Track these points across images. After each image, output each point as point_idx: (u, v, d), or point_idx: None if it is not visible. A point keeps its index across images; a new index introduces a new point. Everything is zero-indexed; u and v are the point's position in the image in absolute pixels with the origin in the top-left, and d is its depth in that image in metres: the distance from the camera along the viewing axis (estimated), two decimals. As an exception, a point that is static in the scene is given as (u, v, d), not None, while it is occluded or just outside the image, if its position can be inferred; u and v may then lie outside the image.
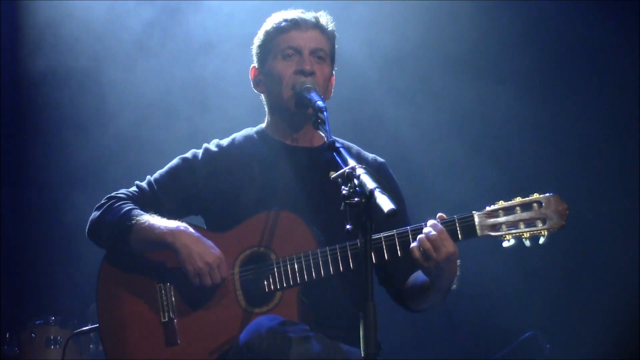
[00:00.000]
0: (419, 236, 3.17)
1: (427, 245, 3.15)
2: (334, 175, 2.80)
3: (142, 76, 6.62)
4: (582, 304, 6.24)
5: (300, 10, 3.67)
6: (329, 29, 3.67)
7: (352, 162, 2.84)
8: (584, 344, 6.16)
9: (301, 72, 3.55)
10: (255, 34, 3.74)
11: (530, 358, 5.94)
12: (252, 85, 3.74)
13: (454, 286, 3.34)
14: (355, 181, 2.71)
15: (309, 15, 3.65)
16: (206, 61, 6.60)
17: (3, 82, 6.56)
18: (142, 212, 3.51)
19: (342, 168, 2.81)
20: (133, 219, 3.47)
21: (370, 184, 2.67)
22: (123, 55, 6.63)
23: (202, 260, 3.35)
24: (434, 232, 3.16)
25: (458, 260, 3.24)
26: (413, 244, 3.18)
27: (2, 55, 6.54)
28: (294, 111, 3.56)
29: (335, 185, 2.78)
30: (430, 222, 3.22)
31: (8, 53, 6.57)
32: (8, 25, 6.52)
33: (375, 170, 3.45)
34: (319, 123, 3.28)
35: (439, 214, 3.27)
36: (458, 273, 3.27)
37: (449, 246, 3.16)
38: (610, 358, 6.05)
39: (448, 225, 3.23)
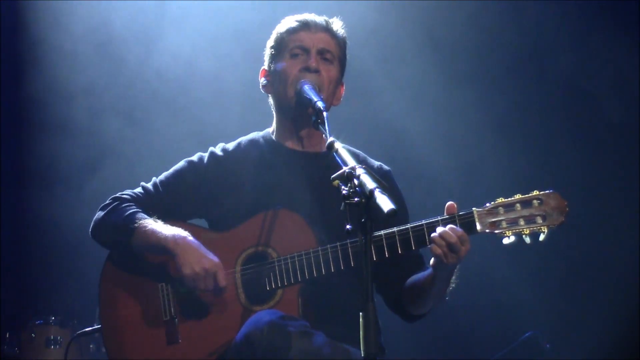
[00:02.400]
0: (437, 240, 3.17)
1: (447, 251, 3.17)
2: (334, 176, 2.79)
3: (145, 78, 6.63)
4: (582, 304, 6.24)
5: (313, 14, 3.69)
6: (340, 34, 3.68)
7: (352, 162, 2.84)
8: (584, 344, 6.17)
9: (306, 69, 3.56)
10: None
11: (530, 358, 5.94)
12: (260, 87, 3.75)
13: (453, 285, 3.34)
14: (355, 181, 2.71)
15: (320, 18, 3.67)
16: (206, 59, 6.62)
17: (3, 82, 6.56)
18: (145, 216, 3.53)
19: (342, 168, 2.81)
20: (136, 222, 3.49)
21: (370, 184, 2.67)
22: (125, 57, 6.63)
23: (199, 266, 3.36)
24: (452, 234, 3.17)
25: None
26: (432, 246, 3.18)
27: (2, 54, 6.54)
28: (296, 111, 3.57)
29: (337, 189, 2.77)
30: (450, 227, 3.20)
31: (8, 53, 6.57)
32: (8, 26, 6.52)
33: (380, 178, 3.44)
34: (318, 123, 3.29)
35: (450, 203, 3.27)
36: (458, 264, 3.27)
37: (468, 245, 3.19)
38: (610, 358, 6.05)
39: (448, 222, 3.23)
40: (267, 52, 3.72)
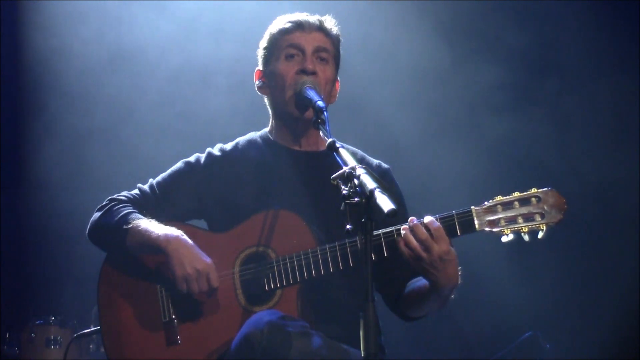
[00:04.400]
0: (405, 234, 3.14)
1: (415, 244, 3.13)
2: (334, 176, 2.79)
3: (146, 77, 6.63)
4: (582, 304, 6.24)
5: (305, 13, 3.67)
6: (334, 32, 3.67)
7: (352, 162, 2.84)
8: (584, 344, 6.17)
9: (303, 72, 3.55)
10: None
11: (530, 358, 5.94)
12: (255, 88, 3.74)
13: (452, 296, 3.30)
14: (355, 181, 2.71)
15: (313, 18, 3.66)
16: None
17: (3, 82, 6.56)
18: (139, 216, 3.52)
19: (343, 168, 2.81)
20: (130, 222, 3.48)
21: (370, 184, 2.66)
22: (127, 57, 6.63)
23: (191, 267, 3.35)
24: (423, 231, 3.13)
25: (459, 268, 3.21)
26: (401, 244, 3.15)
27: (2, 54, 6.54)
28: (295, 112, 3.56)
29: (336, 188, 2.77)
30: (427, 218, 3.19)
31: (8, 53, 6.57)
32: (8, 25, 6.52)
33: (379, 176, 3.44)
34: (319, 123, 3.28)
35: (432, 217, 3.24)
36: (460, 282, 3.23)
37: (443, 245, 3.13)
38: (610, 358, 6.05)
39: (447, 220, 3.21)
40: (261, 53, 3.71)
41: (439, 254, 3.12)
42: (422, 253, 3.12)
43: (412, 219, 3.18)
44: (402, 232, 3.17)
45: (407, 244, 3.14)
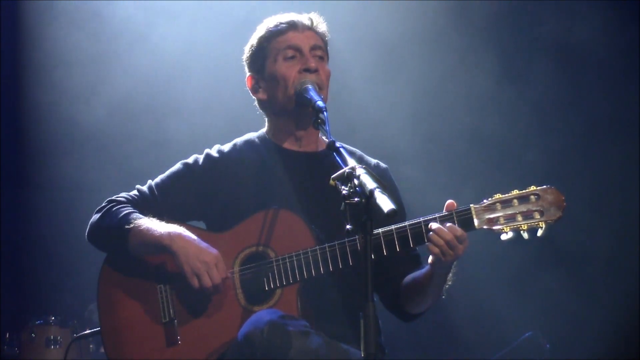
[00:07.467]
0: (434, 238, 3.18)
1: (446, 248, 3.18)
2: (334, 176, 2.79)
3: (146, 78, 6.63)
4: (581, 303, 6.24)
5: (293, 13, 3.67)
6: (323, 30, 3.68)
7: (352, 162, 2.84)
8: (584, 344, 6.17)
9: (306, 70, 3.54)
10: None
11: (530, 358, 5.95)
12: (251, 94, 3.71)
13: (450, 282, 3.35)
14: (355, 181, 2.71)
15: (304, 17, 3.66)
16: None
17: (3, 81, 6.56)
18: (140, 216, 3.52)
19: (342, 168, 2.81)
20: (131, 223, 3.48)
21: (370, 183, 2.67)
22: (128, 56, 6.63)
23: (198, 260, 3.35)
24: (450, 234, 3.17)
25: None
26: (429, 244, 3.20)
27: (2, 55, 6.54)
28: (295, 112, 3.56)
29: (336, 188, 2.77)
30: (448, 225, 3.21)
31: (8, 53, 6.58)
32: (8, 26, 6.52)
33: (377, 175, 3.45)
34: (319, 123, 3.29)
35: (449, 201, 3.27)
36: (455, 262, 3.29)
37: (466, 243, 3.20)
38: (610, 358, 6.05)
39: (446, 219, 3.23)
40: (252, 58, 3.67)
41: (464, 250, 3.20)
42: (450, 253, 3.18)
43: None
44: (432, 232, 3.20)
45: (439, 248, 3.19)
